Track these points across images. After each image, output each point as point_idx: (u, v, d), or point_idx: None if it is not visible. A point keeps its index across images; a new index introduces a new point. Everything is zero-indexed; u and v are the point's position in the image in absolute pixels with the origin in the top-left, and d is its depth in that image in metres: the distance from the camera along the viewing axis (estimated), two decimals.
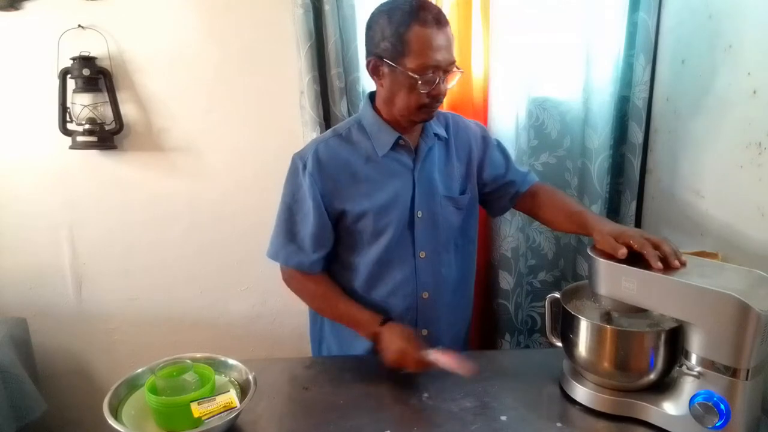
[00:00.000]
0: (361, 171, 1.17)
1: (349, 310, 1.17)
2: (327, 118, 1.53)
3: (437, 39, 1.05)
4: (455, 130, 1.26)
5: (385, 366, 1.07)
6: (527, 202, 1.31)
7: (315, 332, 1.35)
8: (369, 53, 1.13)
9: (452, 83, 1.13)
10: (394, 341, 1.06)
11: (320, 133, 1.50)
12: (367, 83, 1.55)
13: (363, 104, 1.23)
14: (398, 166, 1.18)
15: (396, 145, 1.17)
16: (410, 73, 1.06)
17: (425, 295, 1.22)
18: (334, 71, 1.47)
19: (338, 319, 1.22)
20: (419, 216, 1.19)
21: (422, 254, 1.20)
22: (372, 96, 1.21)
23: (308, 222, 1.16)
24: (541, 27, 1.54)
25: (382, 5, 1.11)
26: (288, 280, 1.23)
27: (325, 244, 1.18)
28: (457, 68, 1.10)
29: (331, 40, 1.45)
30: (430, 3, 1.08)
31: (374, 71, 1.13)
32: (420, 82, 1.06)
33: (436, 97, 1.10)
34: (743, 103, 1.15)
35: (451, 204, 1.23)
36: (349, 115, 1.52)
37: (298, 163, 1.17)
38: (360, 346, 1.22)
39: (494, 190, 1.31)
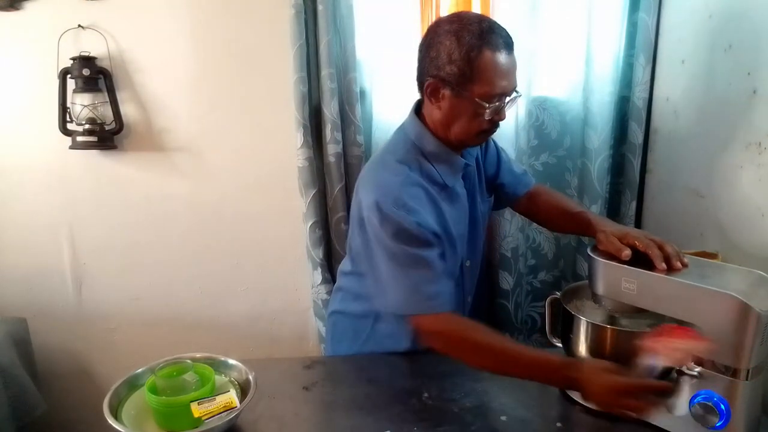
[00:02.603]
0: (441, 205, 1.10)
1: (536, 354, 0.98)
2: (318, 118, 1.53)
3: (506, 65, 1.01)
4: None
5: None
6: (524, 204, 1.33)
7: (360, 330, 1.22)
8: (427, 74, 1.03)
9: (512, 107, 1.08)
10: (599, 378, 0.89)
11: (303, 135, 1.50)
12: (364, 83, 1.55)
13: (413, 124, 1.11)
14: (459, 192, 1.14)
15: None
16: (478, 100, 1.00)
17: (469, 299, 1.26)
18: (325, 72, 1.47)
19: (518, 368, 0.99)
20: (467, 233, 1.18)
21: (468, 263, 1.21)
22: (417, 110, 1.13)
23: None
24: (540, 27, 1.54)
25: (445, 24, 1.02)
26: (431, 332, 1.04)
27: None
28: (516, 92, 1.05)
29: (324, 40, 1.44)
30: (499, 25, 1.02)
31: (433, 94, 1.04)
32: (488, 109, 1.01)
33: (497, 123, 1.06)
34: (743, 103, 1.15)
35: (487, 216, 1.27)
36: (341, 116, 1.51)
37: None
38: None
39: (487, 190, 1.29)
